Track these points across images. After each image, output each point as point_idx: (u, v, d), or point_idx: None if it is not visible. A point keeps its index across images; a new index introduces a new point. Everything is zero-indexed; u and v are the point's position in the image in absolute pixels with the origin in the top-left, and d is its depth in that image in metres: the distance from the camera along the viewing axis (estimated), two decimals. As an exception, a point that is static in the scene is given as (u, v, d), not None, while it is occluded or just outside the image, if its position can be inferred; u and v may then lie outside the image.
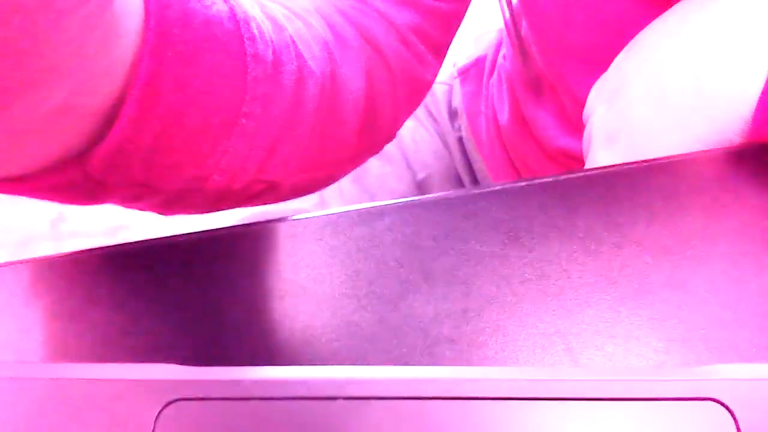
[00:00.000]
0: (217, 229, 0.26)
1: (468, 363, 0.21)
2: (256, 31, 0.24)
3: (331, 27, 0.30)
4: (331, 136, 0.30)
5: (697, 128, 0.29)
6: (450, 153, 0.63)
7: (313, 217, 0.26)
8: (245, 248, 0.25)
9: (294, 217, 0.26)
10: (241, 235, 0.26)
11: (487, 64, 0.61)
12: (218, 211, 0.29)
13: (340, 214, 0.26)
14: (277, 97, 0.25)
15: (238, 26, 0.23)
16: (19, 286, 0.25)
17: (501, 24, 0.55)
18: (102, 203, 0.23)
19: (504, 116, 0.53)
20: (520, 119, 0.51)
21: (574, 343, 0.22)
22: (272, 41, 0.25)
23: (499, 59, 0.58)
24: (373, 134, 0.34)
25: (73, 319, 0.24)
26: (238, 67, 0.23)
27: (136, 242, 0.26)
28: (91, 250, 0.26)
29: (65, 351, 0.23)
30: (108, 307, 0.24)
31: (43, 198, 0.22)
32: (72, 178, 0.21)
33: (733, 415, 0.16)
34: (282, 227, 0.26)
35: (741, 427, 0.16)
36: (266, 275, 0.24)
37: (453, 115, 0.63)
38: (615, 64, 0.34)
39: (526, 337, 0.22)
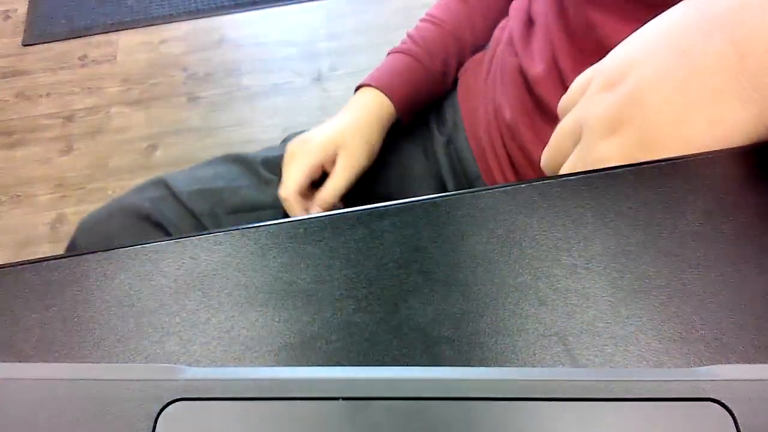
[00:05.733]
0: (216, 232, 0.26)
1: (468, 363, 0.21)
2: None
3: None
4: None
5: (731, 113, 0.26)
6: (436, 160, 0.63)
7: (314, 218, 0.26)
8: (246, 250, 0.25)
9: (294, 219, 0.26)
10: (241, 237, 0.26)
11: (485, 59, 0.62)
12: None
13: (340, 216, 0.26)
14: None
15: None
16: (19, 287, 0.25)
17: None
18: None
19: (538, 69, 0.52)
20: (555, 71, 0.51)
21: (573, 344, 0.22)
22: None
23: (499, 52, 0.59)
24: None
25: (72, 321, 0.24)
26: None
27: (134, 244, 0.26)
28: (89, 252, 0.26)
29: (65, 352, 0.23)
30: (107, 308, 0.24)
31: None
32: None
33: (732, 415, 0.16)
34: (282, 228, 0.26)
35: (741, 427, 0.16)
36: (267, 276, 0.24)
37: (442, 122, 0.65)
38: (612, 53, 0.32)
39: (525, 337, 0.22)
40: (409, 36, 0.64)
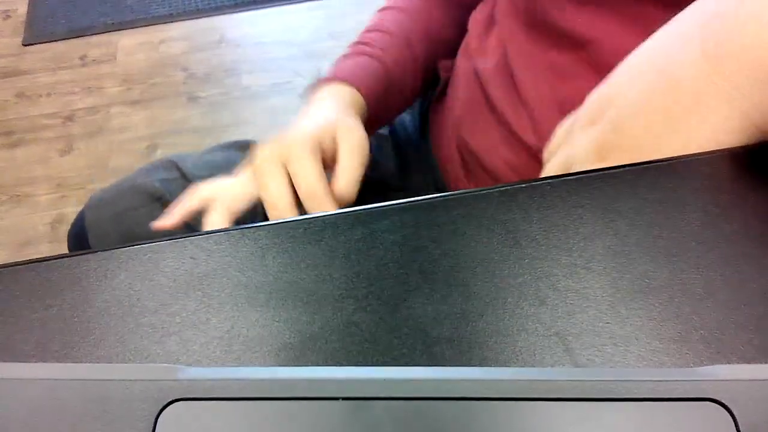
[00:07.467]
0: (216, 232, 0.26)
1: (468, 363, 0.21)
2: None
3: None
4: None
5: (713, 113, 0.26)
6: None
7: (314, 218, 0.26)
8: (246, 250, 0.25)
9: (294, 219, 0.26)
10: (241, 237, 0.26)
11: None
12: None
13: (340, 216, 0.26)
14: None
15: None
16: (19, 287, 0.25)
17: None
18: None
19: (489, 64, 0.53)
20: (504, 64, 0.51)
21: (573, 344, 0.22)
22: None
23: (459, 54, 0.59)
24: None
25: (72, 321, 0.24)
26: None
27: (132, 245, 0.26)
28: (89, 252, 0.26)
29: (65, 352, 0.23)
30: (107, 308, 0.24)
31: None
32: None
33: (732, 415, 0.16)
34: (282, 228, 0.26)
35: (741, 427, 0.16)
36: (267, 276, 0.24)
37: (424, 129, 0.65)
38: (590, 96, 0.32)
39: (525, 337, 0.22)
40: (366, 33, 0.63)
